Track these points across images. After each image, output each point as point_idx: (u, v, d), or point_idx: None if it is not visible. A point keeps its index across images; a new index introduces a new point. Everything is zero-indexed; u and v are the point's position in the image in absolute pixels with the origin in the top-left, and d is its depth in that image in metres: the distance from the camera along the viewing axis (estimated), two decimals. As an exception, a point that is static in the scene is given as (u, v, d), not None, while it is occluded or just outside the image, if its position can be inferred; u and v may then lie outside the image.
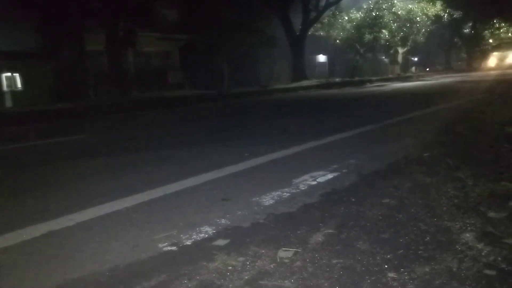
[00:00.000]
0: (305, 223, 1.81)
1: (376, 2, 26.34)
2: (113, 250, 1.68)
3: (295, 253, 1.52)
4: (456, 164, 2.58)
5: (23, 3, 12.49)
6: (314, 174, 2.68)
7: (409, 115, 5.65)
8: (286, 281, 1.33)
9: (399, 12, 26.94)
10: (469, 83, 13.16)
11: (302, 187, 2.41)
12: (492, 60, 30.28)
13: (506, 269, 1.34)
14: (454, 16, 30.71)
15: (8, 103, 14.90)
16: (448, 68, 33.91)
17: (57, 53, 15.03)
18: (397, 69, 30.20)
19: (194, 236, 1.76)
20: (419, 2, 27.66)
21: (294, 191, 2.34)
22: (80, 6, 12.96)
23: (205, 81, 19.46)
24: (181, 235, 1.78)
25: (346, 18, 26.32)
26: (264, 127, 5.53)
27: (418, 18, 27.75)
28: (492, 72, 22.42)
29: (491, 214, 1.77)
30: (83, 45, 14.84)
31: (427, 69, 36.87)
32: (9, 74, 15.21)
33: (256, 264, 1.46)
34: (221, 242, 1.67)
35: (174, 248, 1.65)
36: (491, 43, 34.59)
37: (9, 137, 6.24)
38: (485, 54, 34.38)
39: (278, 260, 1.48)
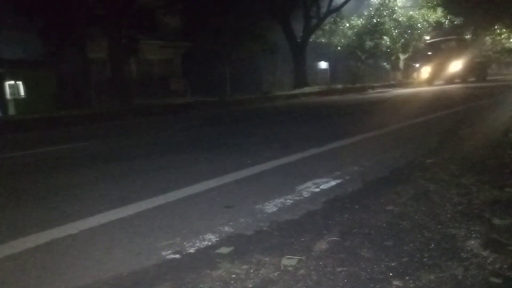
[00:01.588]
0: (309, 231, 1.81)
1: (377, 9, 26.48)
2: (117, 258, 1.67)
3: (299, 261, 1.51)
4: (460, 170, 2.57)
5: (26, 11, 12.60)
6: (317, 181, 2.67)
7: (412, 121, 5.65)
8: (290, 289, 1.33)
9: (400, 19, 27.07)
10: (472, 89, 13.16)
11: (305, 194, 2.41)
12: (425, 70, 18.72)
13: (512, 276, 1.33)
14: (455, 22, 30.79)
15: (11, 111, 14.99)
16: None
17: (60, 61, 15.15)
18: (399, 76, 30.26)
19: (198, 244, 1.75)
20: (420, 9, 27.79)
21: (297, 198, 2.34)
22: (83, 14, 13.07)
23: (207, 88, 19.54)
24: (185, 243, 1.77)
25: (347, 25, 26.46)
26: (266, 134, 5.54)
27: (419, 25, 27.86)
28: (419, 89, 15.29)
29: (496, 221, 1.76)
30: (86, 53, 14.98)
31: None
32: (12, 82, 15.32)
33: (260, 272, 1.45)
34: (224, 249, 1.67)
35: (177, 256, 1.65)
36: (425, 41, 23.29)
37: (12, 145, 6.26)
38: (419, 61, 23.32)
39: (282, 268, 1.47)
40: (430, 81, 18.44)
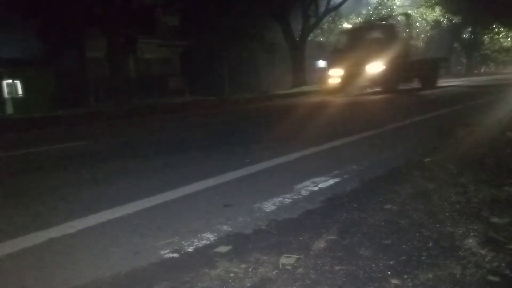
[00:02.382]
0: (307, 229, 1.81)
1: (376, 8, 26.51)
2: (115, 257, 1.67)
3: (298, 259, 1.52)
4: (458, 169, 2.57)
5: (24, 10, 12.56)
6: (316, 179, 2.67)
7: (412, 119, 5.65)
8: (288, 288, 1.33)
9: (398, 18, 27.09)
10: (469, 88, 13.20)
11: (304, 193, 2.41)
12: (335, 73, 12.63)
13: (510, 275, 1.33)
14: (454, 21, 30.84)
15: (9, 110, 14.95)
16: (447, 73, 33.95)
17: (58, 60, 15.11)
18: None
19: (196, 243, 1.75)
20: (418, 8, 27.84)
21: (295, 197, 2.34)
22: (81, 13, 13.03)
23: (205, 87, 19.52)
24: (183, 242, 1.77)
25: (346, 23, 26.47)
26: (265, 133, 5.54)
27: (417, 23, 27.91)
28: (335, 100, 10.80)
29: (494, 219, 1.76)
30: (84, 52, 14.93)
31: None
32: (10, 81, 15.28)
33: (258, 271, 1.45)
34: (223, 248, 1.67)
35: (175, 255, 1.65)
36: (337, 33, 16.89)
37: (10, 144, 6.24)
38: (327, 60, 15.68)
39: (281, 266, 1.47)
40: (341, 90, 12.44)
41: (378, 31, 13.04)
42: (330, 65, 13.42)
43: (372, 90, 12.83)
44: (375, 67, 11.69)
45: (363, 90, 12.70)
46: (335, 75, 12.70)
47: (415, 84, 13.76)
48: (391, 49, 11.65)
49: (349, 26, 15.56)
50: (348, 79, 12.19)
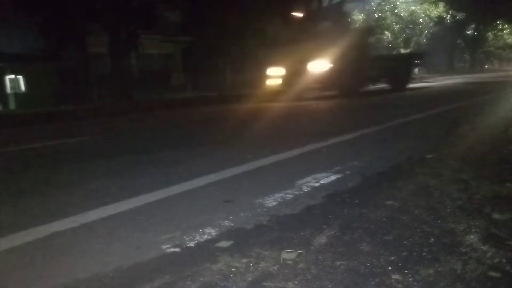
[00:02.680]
0: (309, 225, 1.81)
1: (379, 4, 26.41)
2: (117, 251, 1.68)
3: (299, 254, 1.52)
4: (460, 165, 2.57)
5: (26, 6, 12.55)
6: (317, 175, 2.68)
7: (411, 117, 5.64)
8: (289, 283, 1.33)
9: (401, 14, 27.02)
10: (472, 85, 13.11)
11: (305, 188, 2.41)
12: (276, 72, 10.68)
13: (511, 271, 1.33)
14: (457, 17, 30.68)
15: (12, 105, 14.98)
16: (450, 70, 33.85)
17: (60, 55, 15.10)
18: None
19: (197, 238, 1.76)
20: (421, 4, 27.75)
21: (297, 192, 2.34)
22: (82, 9, 13.02)
23: (207, 83, 19.51)
24: (184, 237, 1.78)
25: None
26: (266, 129, 5.54)
27: (420, 20, 27.82)
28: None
29: (496, 215, 1.76)
30: (86, 48, 14.89)
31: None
32: (12, 76, 15.29)
33: (260, 265, 1.46)
34: (224, 243, 1.67)
35: (177, 249, 1.65)
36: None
37: (12, 139, 6.26)
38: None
39: (282, 261, 1.48)
40: (283, 93, 10.62)
41: (327, 21, 11.02)
42: (269, 62, 11.02)
43: (328, 94, 11.05)
44: (320, 65, 9.64)
45: (310, 93, 10.89)
46: (275, 75, 10.71)
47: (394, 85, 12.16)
48: (343, 43, 9.42)
49: (294, 14, 12.58)
50: (290, 80, 10.22)
